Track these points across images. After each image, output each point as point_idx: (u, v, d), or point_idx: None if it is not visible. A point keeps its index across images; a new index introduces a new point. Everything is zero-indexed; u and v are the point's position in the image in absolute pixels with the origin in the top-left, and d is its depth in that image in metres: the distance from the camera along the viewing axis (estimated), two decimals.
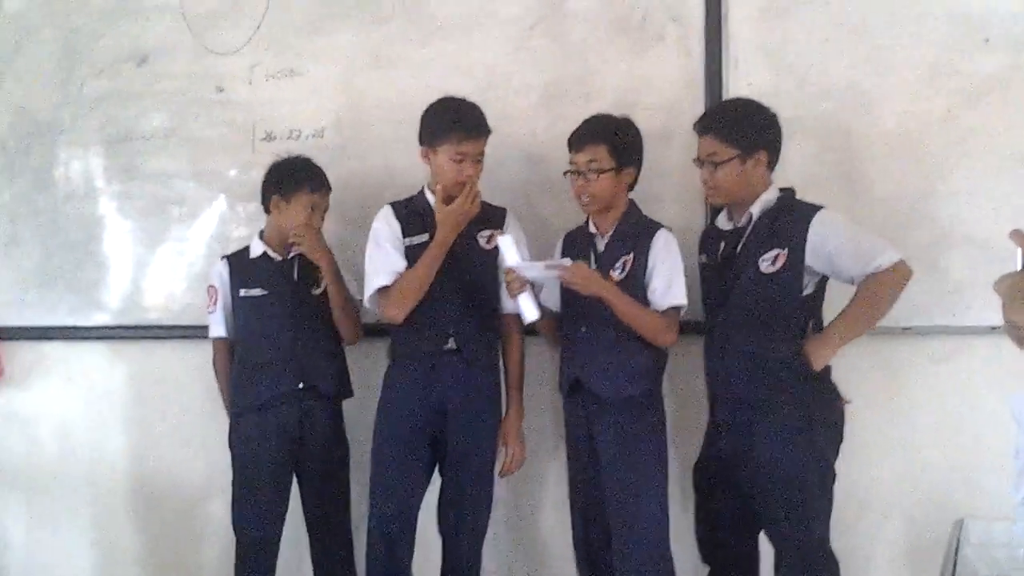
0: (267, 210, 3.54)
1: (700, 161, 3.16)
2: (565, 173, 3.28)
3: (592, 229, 3.31)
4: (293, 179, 3.48)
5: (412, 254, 3.32)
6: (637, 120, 3.32)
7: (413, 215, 3.37)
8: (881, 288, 3.00)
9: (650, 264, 3.20)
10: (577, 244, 3.34)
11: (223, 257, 3.62)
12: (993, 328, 3.31)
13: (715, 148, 3.10)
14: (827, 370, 3.08)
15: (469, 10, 3.79)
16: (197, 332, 3.84)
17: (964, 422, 3.49)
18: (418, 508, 3.37)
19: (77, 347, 4.14)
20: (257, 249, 3.55)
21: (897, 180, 3.48)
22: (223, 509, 3.65)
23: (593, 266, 3.23)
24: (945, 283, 3.38)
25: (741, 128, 3.11)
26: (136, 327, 4.07)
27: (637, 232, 3.25)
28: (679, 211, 3.55)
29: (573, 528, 3.38)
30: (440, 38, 3.81)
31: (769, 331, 3.05)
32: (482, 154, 3.30)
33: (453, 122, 3.26)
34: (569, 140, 3.27)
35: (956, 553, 2.76)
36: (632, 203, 3.32)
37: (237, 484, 3.51)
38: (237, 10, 3.94)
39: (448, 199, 3.24)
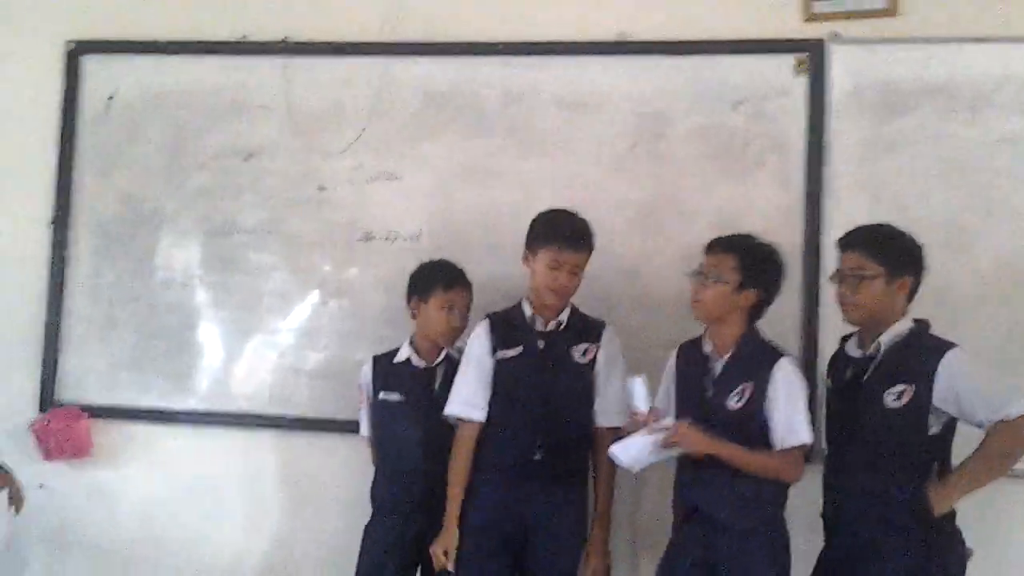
0: (413, 316, 3.59)
1: (840, 275, 3.09)
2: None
3: (707, 349, 3.21)
4: (427, 280, 3.54)
5: (502, 366, 3.37)
6: None
7: (509, 328, 3.41)
8: (1011, 438, 2.92)
9: (770, 396, 3.07)
10: (691, 363, 3.25)
11: (373, 357, 3.67)
12: None
13: (861, 263, 3.03)
14: (951, 514, 3.00)
15: (571, 127, 3.87)
16: (283, 423, 3.98)
17: None
18: None
19: (165, 430, 4.17)
20: (403, 354, 3.59)
21: (996, 319, 3.51)
22: None
23: (709, 391, 3.14)
24: None
25: (891, 248, 3.05)
26: (223, 414, 4.11)
27: (758, 357, 3.14)
28: (776, 338, 3.45)
29: None
30: (540, 153, 3.88)
31: (891, 469, 2.98)
32: (580, 267, 3.32)
33: (558, 229, 3.31)
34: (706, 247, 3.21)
35: None
36: (753, 326, 3.20)
37: None
38: (341, 113, 4.04)
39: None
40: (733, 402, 3.08)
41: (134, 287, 4.18)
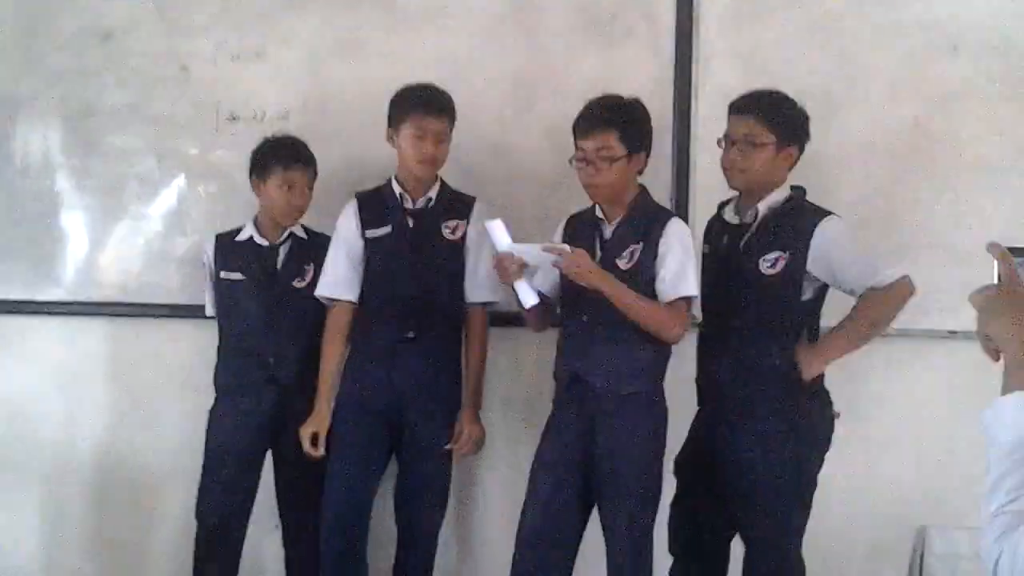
0: (256, 194, 3.52)
1: (729, 140, 3.07)
2: (571, 160, 3.08)
3: (599, 214, 3.15)
4: (265, 158, 3.47)
5: (372, 246, 3.36)
6: None
7: (378, 207, 3.39)
8: (882, 304, 2.98)
9: (660, 253, 3.02)
10: (582, 229, 3.19)
11: (216, 236, 3.60)
12: (951, 332, 3.37)
13: (755, 130, 3.01)
14: (820, 376, 3.06)
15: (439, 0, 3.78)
16: (152, 311, 3.93)
17: (924, 427, 3.57)
18: (373, 494, 3.39)
19: (31, 321, 4.05)
20: (246, 232, 3.54)
21: (863, 185, 3.54)
22: (180, 491, 3.66)
23: (598, 254, 3.09)
24: None
25: (785, 117, 3.05)
26: (91, 303, 4.00)
27: (648, 220, 3.09)
28: None
29: (523, 515, 3.16)
30: (410, 27, 3.80)
31: (763, 334, 3.02)
32: (445, 135, 3.30)
33: (416, 100, 3.28)
34: (575, 125, 3.07)
35: (921, 560, 2.78)
36: (643, 189, 3.16)
37: (206, 467, 3.50)
38: None
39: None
40: (623, 263, 3.06)
41: None
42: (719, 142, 3.12)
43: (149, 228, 3.96)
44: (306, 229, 3.54)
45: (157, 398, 3.99)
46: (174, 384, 3.94)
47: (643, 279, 3.03)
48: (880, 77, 3.55)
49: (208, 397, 3.61)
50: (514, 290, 3.05)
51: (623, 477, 3.04)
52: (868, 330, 3.03)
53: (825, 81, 3.55)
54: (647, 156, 3.11)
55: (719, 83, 3.57)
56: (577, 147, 3.06)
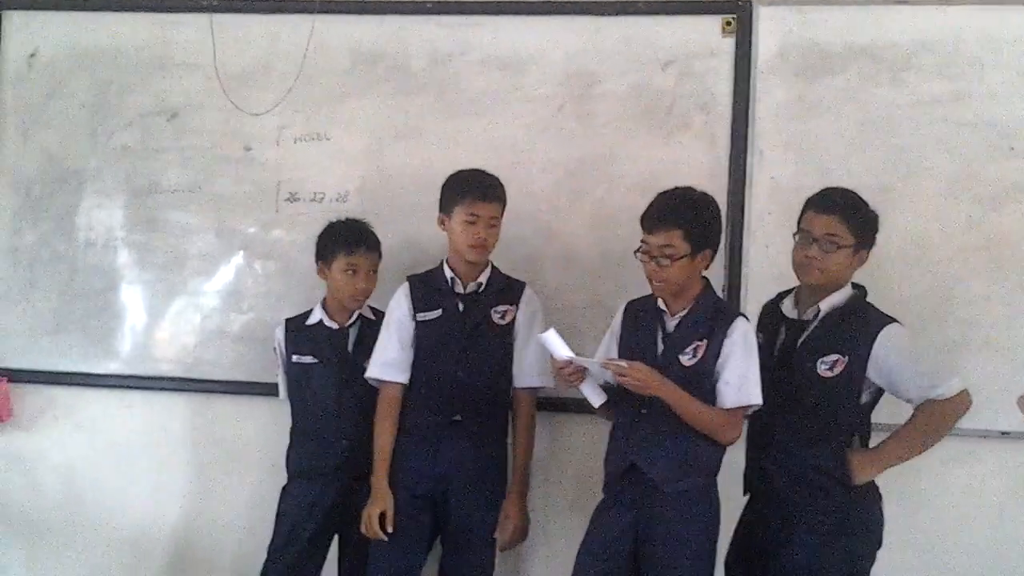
0: (322, 278, 3.57)
1: (807, 235, 3.01)
2: (636, 252, 3.02)
3: (661, 306, 3.08)
4: (329, 243, 3.52)
5: (423, 329, 3.37)
6: None
7: (430, 290, 3.40)
8: (939, 417, 2.96)
9: (724, 354, 2.98)
10: (643, 319, 3.13)
11: (286, 320, 3.65)
12: (1005, 433, 3.33)
13: (837, 230, 2.96)
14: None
15: (500, 88, 3.86)
16: (207, 386, 3.97)
17: (976, 527, 3.52)
18: None
19: (87, 394, 4.12)
20: (315, 316, 3.57)
21: (916, 281, 3.54)
22: (228, 567, 3.70)
23: (660, 346, 3.05)
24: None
25: (864, 219, 3.01)
26: (146, 377, 4.06)
27: (712, 316, 3.03)
28: None
29: None
30: (467, 113, 3.87)
31: (816, 435, 2.99)
32: (496, 220, 3.33)
33: (467, 185, 3.31)
34: (642, 217, 3.02)
35: None
36: (707, 283, 3.11)
37: (274, 548, 3.50)
38: (269, 72, 3.99)
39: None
40: (686, 360, 3.01)
41: (56, 248, 4.12)
42: (794, 236, 3.08)
43: (206, 304, 4.02)
44: (374, 310, 3.57)
45: (209, 474, 4.03)
46: (226, 460, 4.00)
47: (705, 377, 2.99)
48: (936, 175, 3.56)
49: (261, 475, 3.66)
50: (583, 393, 3.05)
51: (676, 572, 3.00)
52: (924, 441, 3.00)
53: (880, 177, 3.56)
54: (714, 253, 3.06)
55: (774, 175, 3.62)
56: (642, 239, 3.02)
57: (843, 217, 2.98)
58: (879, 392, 3.03)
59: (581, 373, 3.01)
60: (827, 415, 2.99)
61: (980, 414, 3.32)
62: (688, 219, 2.96)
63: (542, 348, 3.12)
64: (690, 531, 3.01)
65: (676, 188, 3.07)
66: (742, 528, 3.20)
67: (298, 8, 3.97)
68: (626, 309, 3.22)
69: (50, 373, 4.11)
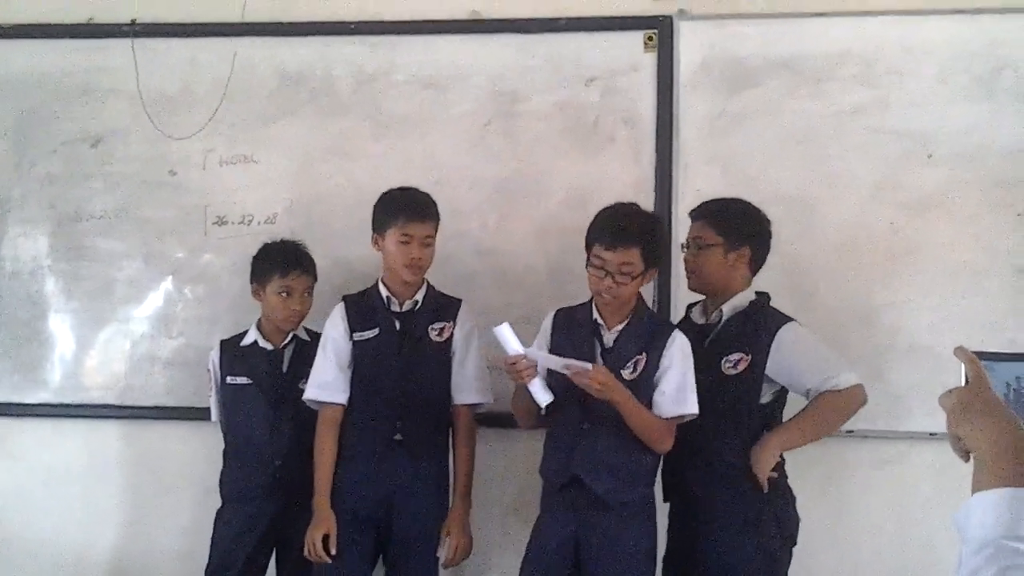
0: (257, 299, 3.55)
1: (686, 244, 3.20)
2: (587, 266, 3.04)
3: (599, 318, 3.12)
4: (263, 265, 3.51)
5: (360, 348, 3.35)
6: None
7: (365, 309, 3.40)
8: (832, 407, 3.04)
9: (663, 366, 3.04)
10: (577, 331, 3.15)
11: (221, 341, 3.62)
12: (932, 434, 3.40)
13: (702, 232, 3.13)
14: (783, 475, 3.11)
15: (426, 106, 3.86)
16: (138, 412, 3.93)
17: (905, 525, 3.58)
18: None
19: (17, 424, 4.05)
20: (250, 337, 3.56)
21: (842, 288, 3.60)
22: None
23: (599, 360, 3.06)
24: (888, 389, 3.47)
25: (731, 219, 3.14)
26: (77, 405, 4.01)
27: (651, 331, 3.10)
28: None
29: None
30: (395, 133, 3.88)
31: (724, 433, 3.06)
32: (431, 238, 3.32)
33: (400, 205, 3.30)
34: (596, 234, 3.03)
35: None
36: (641, 298, 3.16)
37: (211, 569, 3.47)
38: (192, 96, 3.97)
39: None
40: (627, 374, 3.04)
41: None
42: (682, 247, 3.25)
43: (136, 330, 3.98)
44: (308, 331, 3.57)
45: (143, 500, 3.98)
46: (160, 486, 3.95)
47: (644, 389, 3.04)
48: (858, 183, 3.63)
49: (195, 499, 3.64)
50: (527, 390, 3.03)
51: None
52: (815, 429, 3.08)
53: (803, 186, 3.64)
54: (658, 271, 3.15)
55: (699, 187, 3.65)
56: (595, 255, 3.02)
57: (707, 220, 3.14)
58: (782, 393, 3.13)
59: (533, 369, 3.00)
60: (732, 412, 3.07)
61: (908, 417, 3.49)
62: (647, 238, 3.01)
63: (480, 365, 3.19)
64: (631, 541, 3.05)
65: (630, 205, 3.12)
66: (669, 533, 3.25)
67: (221, 31, 3.96)
68: (556, 316, 3.24)
69: None
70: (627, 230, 3.00)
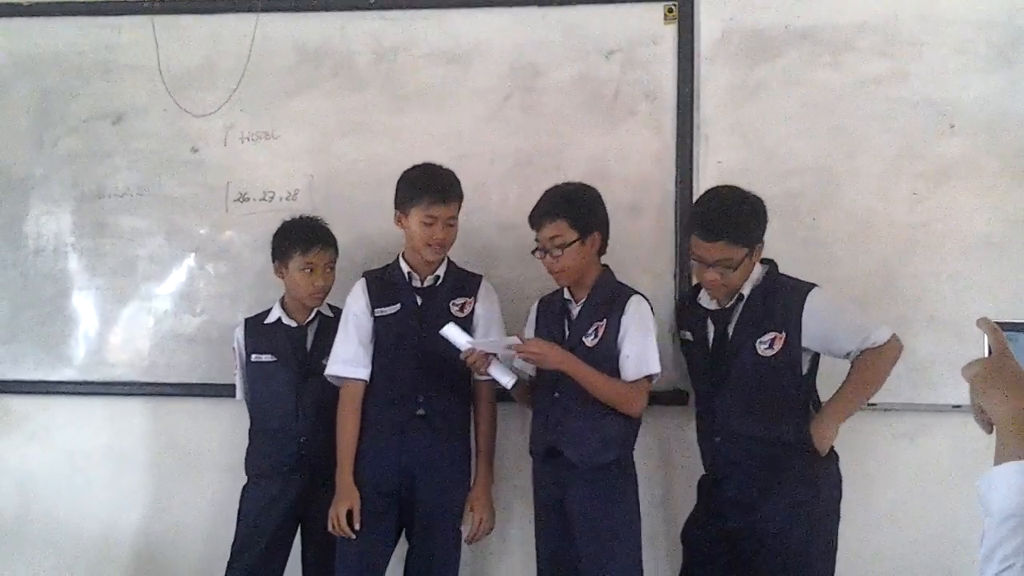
0: (279, 277, 3.57)
1: (701, 261, 3.07)
2: (533, 252, 3.24)
3: (567, 295, 3.30)
4: (285, 242, 3.52)
5: (381, 324, 3.38)
6: (608, 192, 3.32)
7: (386, 285, 3.42)
8: (876, 365, 3.06)
9: (622, 330, 3.18)
10: (552, 311, 3.34)
11: (245, 320, 3.64)
12: (956, 407, 3.39)
13: (730, 253, 3.00)
14: (832, 449, 3.12)
15: (445, 80, 3.86)
16: (162, 390, 3.94)
17: (929, 499, 3.59)
18: (383, 572, 3.37)
19: (42, 402, 4.08)
20: (274, 315, 3.57)
21: (862, 259, 3.59)
22: (191, 570, 3.70)
23: (567, 333, 3.24)
24: (910, 361, 3.42)
25: (747, 227, 3.05)
26: (101, 383, 4.03)
27: (611, 298, 3.23)
28: (649, 281, 3.61)
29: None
30: (414, 107, 3.87)
31: (772, 413, 3.07)
32: (454, 219, 3.34)
33: (424, 186, 3.31)
34: (530, 219, 3.23)
35: None
36: (606, 268, 3.30)
37: (237, 546, 3.50)
38: (213, 72, 3.97)
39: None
40: (589, 341, 3.19)
41: (4, 256, 4.07)
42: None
43: (159, 308, 4.00)
44: (332, 307, 3.58)
45: (168, 478, 4.01)
46: (185, 463, 3.98)
47: (608, 355, 3.18)
48: (878, 154, 3.62)
49: (220, 477, 3.68)
50: (493, 376, 3.17)
51: (603, 545, 3.14)
52: (866, 391, 3.10)
53: (823, 156, 3.63)
54: (603, 236, 3.25)
55: (720, 159, 3.66)
56: (536, 239, 3.22)
57: (729, 240, 3.02)
58: (816, 359, 3.14)
59: (486, 358, 3.14)
60: (777, 391, 3.08)
61: (931, 389, 3.47)
62: (569, 207, 3.17)
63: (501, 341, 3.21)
64: (610, 504, 3.15)
65: (555, 185, 3.28)
66: (704, 506, 3.28)
67: (241, 7, 3.96)
68: (539, 305, 3.41)
69: (3, 382, 4.06)
70: (547, 206, 3.21)
